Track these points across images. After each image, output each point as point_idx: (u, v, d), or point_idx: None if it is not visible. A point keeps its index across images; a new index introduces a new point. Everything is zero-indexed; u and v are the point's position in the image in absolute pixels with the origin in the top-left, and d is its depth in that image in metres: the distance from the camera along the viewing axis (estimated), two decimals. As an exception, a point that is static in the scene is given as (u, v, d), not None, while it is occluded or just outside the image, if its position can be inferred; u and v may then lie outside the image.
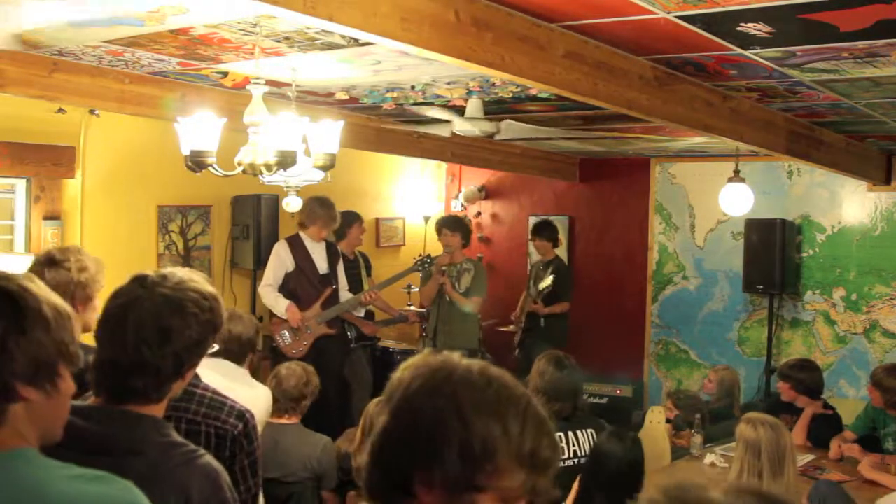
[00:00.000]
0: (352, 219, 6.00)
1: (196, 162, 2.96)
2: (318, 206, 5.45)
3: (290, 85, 3.73)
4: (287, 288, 5.43)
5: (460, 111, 4.25)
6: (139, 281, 1.66)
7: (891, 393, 4.23)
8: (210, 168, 3.00)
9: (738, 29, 2.59)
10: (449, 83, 3.89)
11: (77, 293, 2.37)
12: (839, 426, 4.62)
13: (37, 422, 1.24)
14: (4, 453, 1.20)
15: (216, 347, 1.84)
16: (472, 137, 5.06)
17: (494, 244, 8.11)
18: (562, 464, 3.36)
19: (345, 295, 5.67)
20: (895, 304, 6.13)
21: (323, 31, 2.83)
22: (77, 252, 2.48)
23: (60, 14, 2.78)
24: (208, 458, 1.66)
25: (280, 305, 5.34)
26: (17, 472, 1.19)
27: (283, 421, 3.66)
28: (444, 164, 8.06)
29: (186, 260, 5.72)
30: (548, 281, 6.28)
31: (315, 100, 4.49)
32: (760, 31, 2.60)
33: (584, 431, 3.65)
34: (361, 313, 5.95)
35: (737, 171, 5.69)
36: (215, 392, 2.12)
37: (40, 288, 1.28)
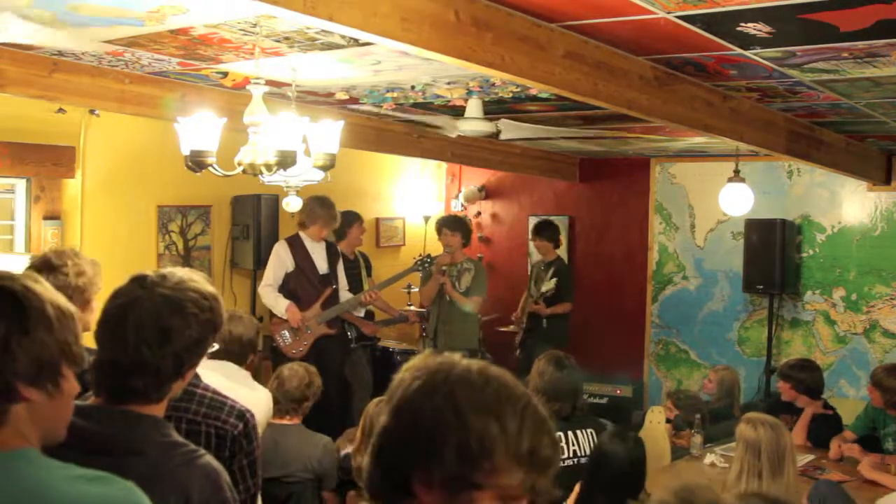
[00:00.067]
0: (352, 219, 6.00)
1: (196, 162, 2.96)
2: (318, 205, 5.45)
3: (290, 85, 3.72)
4: (287, 288, 5.42)
5: (460, 111, 4.24)
6: (139, 281, 1.66)
7: (891, 393, 4.23)
8: (210, 168, 2.99)
9: (738, 29, 2.59)
10: (449, 83, 3.89)
11: (75, 297, 2.33)
12: (839, 426, 4.62)
13: (39, 422, 1.24)
14: (6, 453, 1.20)
15: (216, 347, 1.83)
16: (472, 137, 5.05)
17: (494, 244, 8.11)
18: (561, 464, 3.35)
19: (345, 295, 5.67)
20: (895, 305, 6.14)
21: (323, 31, 2.82)
22: (74, 255, 2.45)
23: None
24: (208, 458, 1.66)
25: (280, 305, 5.34)
26: (18, 472, 1.19)
27: (285, 422, 3.65)
28: (444, 164, 8.05)
29: (186, 260, 5.72)
30: (550, 284, 6.29)
31: (315, 100, 4.49)
32: (760, 31, 2.60)
33: (583, 431, 3.65)
34: (361, 313, 5.95)
35: (737, 171, 5.70)
36: (215, 392, 2.12)
37: (45, 288, 1.27)
